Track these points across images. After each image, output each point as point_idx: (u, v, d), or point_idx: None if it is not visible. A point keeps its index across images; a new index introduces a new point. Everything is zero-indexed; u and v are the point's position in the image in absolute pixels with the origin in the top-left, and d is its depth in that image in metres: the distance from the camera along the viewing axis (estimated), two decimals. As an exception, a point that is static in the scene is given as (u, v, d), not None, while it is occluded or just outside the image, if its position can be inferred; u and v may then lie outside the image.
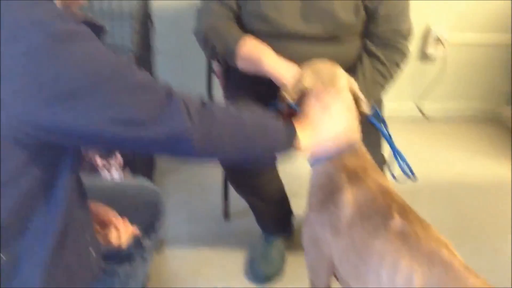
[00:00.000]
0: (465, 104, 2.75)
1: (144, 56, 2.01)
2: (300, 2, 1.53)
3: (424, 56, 2.58)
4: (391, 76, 1.59)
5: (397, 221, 1.07)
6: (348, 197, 1.15)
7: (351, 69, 1.56)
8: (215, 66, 1.93)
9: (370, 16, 1.56)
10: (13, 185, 0.85)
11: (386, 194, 1.14)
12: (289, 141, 1.06)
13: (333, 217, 1.16)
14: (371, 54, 1.58)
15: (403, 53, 1.58)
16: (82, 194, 1.01)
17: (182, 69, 2.51)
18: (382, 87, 1.58)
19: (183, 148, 0.91)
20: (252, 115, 1.02)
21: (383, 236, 1.06)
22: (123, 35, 2.19)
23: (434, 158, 2.48)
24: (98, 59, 0.82)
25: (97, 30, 0.99)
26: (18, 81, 0.77)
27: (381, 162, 1.48)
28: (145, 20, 2.05)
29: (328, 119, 1.15)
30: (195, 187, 2.24)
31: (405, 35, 1.59)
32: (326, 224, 1.19)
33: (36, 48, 0.77)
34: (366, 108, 1.29)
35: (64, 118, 0.80)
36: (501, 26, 2.53)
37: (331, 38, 1.56)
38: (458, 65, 2.61)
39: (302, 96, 1.24)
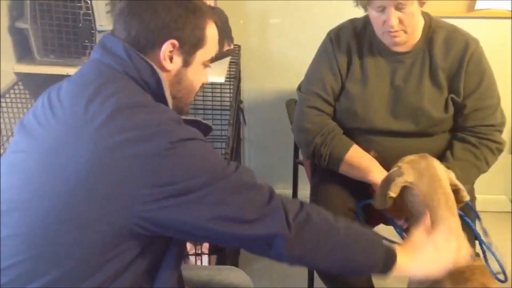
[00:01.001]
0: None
1: (235, 146, 2.11)
2: (389, 100, 1.59)
3: (515, 149, 2.51)
4: (486, 160, 1.57)
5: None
6: None
7: (440, 159, 1.57)
8: (303, 157, 1.99)
9: (458, 111, 1.58)
10: (121, 279, 0.92)
11: None
12: (386, 260, 1.02)
13: None
14: (462, 140, 1.58)
15: (495, 141, 1.58)
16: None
17: (270, 157, 2.59)
18: (477, 169, 1.57)
19: (275, 250, 0.94)
20: (349, 225, 1.02)
21: None
22: (220, 126, 2.33)
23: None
24: (210, 160, 0.91)
25: (205, 128, 1.09)
26: (138, 181, 0.86)
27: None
28: (238, 113, 2.17)
29: (433, 247, 1.09)
30: (279, 275, 2.23)
31: (496, 127, 1.59)
32: None
33: (158, 151, 0.87)
34: (466, 197, 1.30)
35: (177, 215, 0.88)
36: None
37: (421, 133, 1.58)
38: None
39: (403, 191, 1.26)
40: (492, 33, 2.24)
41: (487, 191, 2.50)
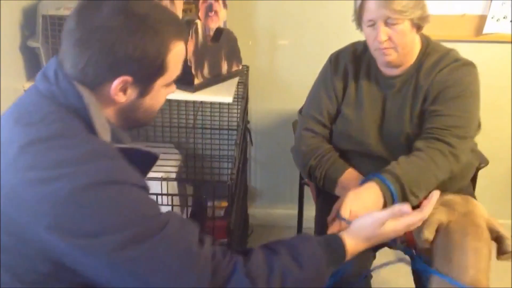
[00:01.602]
0: None
1: (241, 166, 2.11)
2: (380, 125, 1.59)
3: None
4: (433, 161, 1.45)
5: None
6: None
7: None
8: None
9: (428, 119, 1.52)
10: None
11: None
12: (335, 264, 1.04)
13: None
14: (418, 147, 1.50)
15: (449, 144, 1.46)
16: None
17: (276, 178, 2.59)
18: (429, 170, 1.45)
19: None
20: (284, 266, 0.97)
21: None
22: (227, 146, 2.35)
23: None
24: (124, 213, 0.86)
25: (150, 158, 1.04)
26: (45, 223, 0.84)
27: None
28: (245, 133, 2.18)
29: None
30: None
31: (457, 134, 1.48)
32: None
33: (60, 196, 0.84)
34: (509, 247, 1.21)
35: (85, 258, 0.85)
36: None
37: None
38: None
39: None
40: (497, 56, 2.25)
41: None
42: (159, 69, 0.97)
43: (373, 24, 1.45)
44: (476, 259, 1.15)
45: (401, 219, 1.11)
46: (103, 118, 0.96)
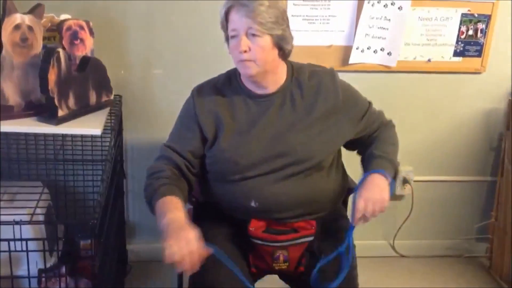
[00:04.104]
0: (437, 240, 2.76)
1: (114, 201, 2.01)
2: (268, 140, 1.58)
3: (393, 196, 2.63)
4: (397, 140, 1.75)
5: None
6: None
7: (322, 204, 1.65)
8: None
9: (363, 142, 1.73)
10: None
11: None
12: None
13: None
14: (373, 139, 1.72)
15: (390, 122, 1.78)
16: None
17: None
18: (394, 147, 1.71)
19: None
20: None
21: None
22: (96, 179, 2.22)
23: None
24: None
25: None
26: None
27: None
28: (117, 166, 2.09)
29: None
30: None
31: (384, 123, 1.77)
32: None
33: None
34: None
35: None
36: (465, 168, 2.65)
37: (304, 169, 1.58)
38: (426, 202, 2.67)
39: None
40: (364, 85, 2.38)
41: (368, 237, 2.60)
42: None
43: (236, 35, 1.52)
44: None
45: None
46: None
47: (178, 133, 1.67)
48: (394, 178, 1.65)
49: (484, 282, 2.57)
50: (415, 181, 2.59)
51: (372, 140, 1.71)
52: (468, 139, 2.60)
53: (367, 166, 1.64)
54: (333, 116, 1.62)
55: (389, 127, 1.77)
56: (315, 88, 1.63)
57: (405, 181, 2.57)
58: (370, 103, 1.74)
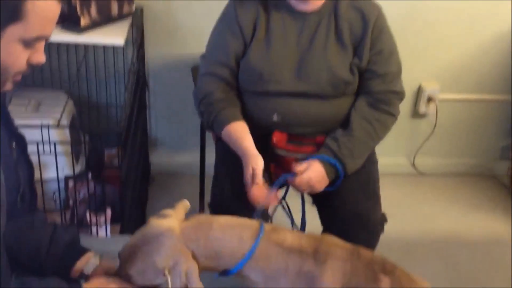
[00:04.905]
0: (459, 159, 2.75)
1: (138, 113, 2.03)
2: (294, 61, 1.57)
3: (416, 114, 2.61)
4: (379, 138, 1.62)
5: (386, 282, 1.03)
6: None
7: (341, 125, 1.60)
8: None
9: (366, 75, 1.60)
10: None
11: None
12: None
13: None
14: (362, 115, 1.60)
15: (393, 116, 1.63)
16: None
17: (176, 125, 2.53)
18: (369, 147, 1.62)
19: None
20: None
21: None
22: (119, 92, 2.22)
23: (429, 214, 2.45)
24: None
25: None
26: None
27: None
28: (140, 79, 2.08)
29: None
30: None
31: (401, 97, 1.64)
32: None
33: None
34: None
35: None
36: (491, 86, 2.59)
37: (326, 95, 1.58)
38: (450, 121, 2.64)
39: None
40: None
41: (389, 153, 2.59)
42: (13, 12, 0.83)
43: None
44: None
45: None
46: None
47: (218, 39, 1.64)
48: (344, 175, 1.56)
49: (504, 200, 2.58)
50: (440, 100, 2.55)
51: (365, 102, 1.61)
52: (498, 58, 2.52)
53: (330, 144, 1.57)
54: (358, 48, 1.59)
55: (384, 118, 1.62)
56: (352, 19, 1.58)
57: (429, 99, 2.53)
58: (398, 68, 1.64)
